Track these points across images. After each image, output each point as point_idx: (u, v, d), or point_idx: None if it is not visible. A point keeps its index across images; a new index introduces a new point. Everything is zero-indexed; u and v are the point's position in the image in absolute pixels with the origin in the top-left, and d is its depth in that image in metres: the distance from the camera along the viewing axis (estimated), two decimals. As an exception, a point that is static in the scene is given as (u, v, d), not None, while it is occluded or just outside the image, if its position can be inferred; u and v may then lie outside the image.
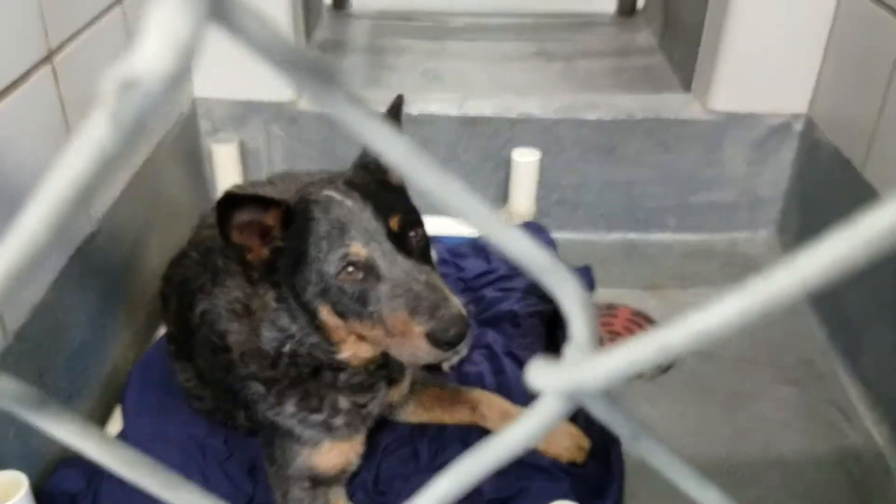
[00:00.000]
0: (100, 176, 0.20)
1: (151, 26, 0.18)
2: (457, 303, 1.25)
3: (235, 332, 1.43)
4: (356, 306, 1.27)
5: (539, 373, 0.24)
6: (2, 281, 0.21)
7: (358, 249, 1.25)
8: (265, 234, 1.28)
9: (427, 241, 1.36)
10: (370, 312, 1.26)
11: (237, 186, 1.83)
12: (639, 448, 0.28)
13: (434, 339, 1.22)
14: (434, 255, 2.02)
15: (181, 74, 0.19)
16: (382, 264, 1.25)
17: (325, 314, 1.31)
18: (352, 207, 1.27)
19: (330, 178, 1.40)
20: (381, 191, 1.34)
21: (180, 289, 1.55)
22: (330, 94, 0.20)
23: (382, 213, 1.27)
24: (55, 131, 1.50)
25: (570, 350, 0.25)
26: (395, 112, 1.39)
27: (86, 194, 0.19)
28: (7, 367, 1.34)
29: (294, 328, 1.37)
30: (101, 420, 1.68)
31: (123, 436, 1.58)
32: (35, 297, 1.43)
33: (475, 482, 0.27)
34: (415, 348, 1.25)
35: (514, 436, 0.26)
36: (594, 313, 0.25)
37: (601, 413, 0.26)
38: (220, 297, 1.45)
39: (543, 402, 0.25)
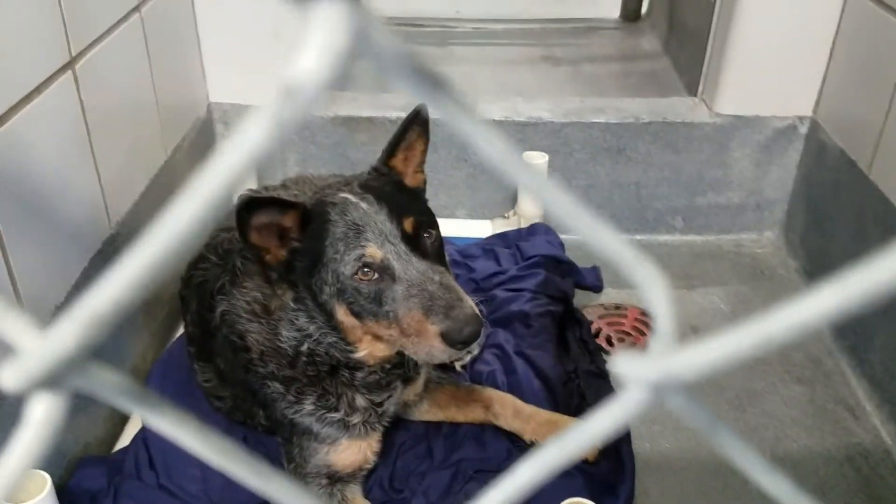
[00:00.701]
0: (248, 171, 0.22)
1: (311, 39, 0.21)
2: (470, 303, 1.28)
3: (255, 332, 1.46)
4: (372, 306, 1.30)
5: (626, 363, 0.26)
6: (148, 274, 0.23)
7: (373, 251, 1.28)
8: (283, 235, 1.31)
9: (441, 242, 1.39)
10: (386, 312, 1.29)
11: (252, 190, 1.85)
12: (717, 442, 0.30)
13: (448, 338, 1.25)
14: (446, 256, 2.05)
15: (336, 82, 0.21)
16: (397, 265, 1.28)
17: (342, 314, 1.34)
18: (367, 210, 1.30)
19: (346, 181, 1.43)
20: (396, 193, 1.37)
21: (200, 290, 1.58)
22: (445, 102, 0.23)
23: (397, 214, 1.30)
24: (76, 136, 1.53)
25: (657, 342, 0.27)
26: (422, 121, 1.41)
27: (235, 188, 0.22)
28: (32, 366, 1.36)
29: (312, 328, 1.40)
30: (122, 420, 1.70)
31: (143, 435, 1.60)
32: (58, 299, 1.46)
33: (556, 470, 0.29)
34: (430, 347, 1.28)
35: (597, 424, 0.28)
36: (675, 308, 0.27)
37: (681, 406, 0.28)
38: (239, 298, 1.47)
39: (629, 393, 0.27)
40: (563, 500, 1.46)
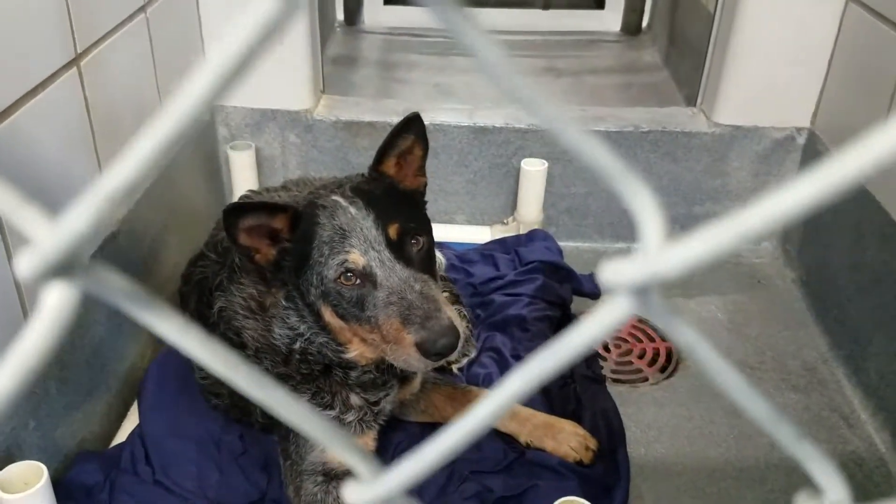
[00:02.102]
0: (265, 47, 0.23)
1: None
2: (449, 314, 1.28)
3: (251, 329, 1.47)
4: (354, 310, 1.32)
5: (612, 269, 0.27)
6: (172, 131, 0.24)
7: (356, 258, 1.29)
8: (273, 235, 1.33)
9: (430, 250, 1.39)
10: (367, 317, 1.31)
11: (252, 192, 1.87)
12: (695, 357, 0.31)
13: (423, 348, 1.26)
14: (443, 260, 2.06)
15: None
16: (380, 272, 1.30)
17: (329, 315, 1.37)
18: (355, 214, 1.32)
19: (339, 183, 1.44)
20: (387, 198, 1.38)
21: (199, 287, 1.59)
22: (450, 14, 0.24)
23: (383, 220, 1.32)
24: (80, 132, 1.54)
25: (643, 248, 0.27)
26: (417, 128, 1.41)
27: (251, 63, 0.23)
28: (31, 358, 1.37)
29: (303, 327, 1.42)
30: (119, 416, 1.71)
31: (141, 431, 1.61)
32: (58, 293, 1.47)
33: (546, 380, 0.30)
34: (406, 356, 1.29)
35: (584, 332, 0.29)
36: (660, 215, 0.28)
37: (662, 319, 0.28)
38: (236, 295, 1.49)
39: (614, 300, 0.28)
40: (555, 500, 1.47)
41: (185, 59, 2.09)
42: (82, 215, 0.25)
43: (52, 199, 1.46)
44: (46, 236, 0.26)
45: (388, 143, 1.40)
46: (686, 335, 0.30)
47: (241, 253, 1.38)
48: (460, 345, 1.31)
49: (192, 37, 2.12)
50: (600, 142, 0.27)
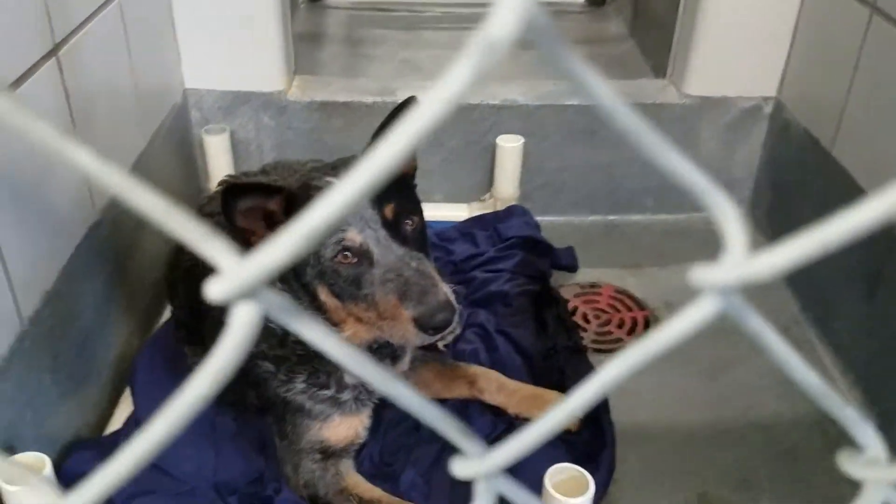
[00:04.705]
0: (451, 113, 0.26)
1: (503, 3, 0.25)
2: (445, 290, 1.32)
3: (244, 313, 1.49)
4: (351, 289, 1.34)
5: (703, 272, 0.31)
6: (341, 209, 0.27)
7: (353, 236, 1.32)
8: (268, 218, 1.35)
9: (423, 229, 1.43)
10: (364, 295, 1.34)
11: (230, 176, 1.88)
12: (763, 342, 0.34)
13: (421, 323, 1.29)
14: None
15: (519, 39, 0.26)
16: (376, 250, 1.32)
17: (324, 295, 1.38)
18: None
19: (332, 165, 1.47)
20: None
21: (188, 274, 1.60)
22: (562, 55, 0.27)
23: (379, 201, 1.34)
24: (61, 122, 1.53)
25: (729, 254, 0.31)
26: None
27: (434, 130, 0.26)
28: (23, 350, 1.38)
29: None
30: (113, 403, 1.72)
31: (136, 418, 1.62)
32: (46, 285, 1.47)
33: (636, 371, 0.33)
34: (403, 331, 1.32)
35: (672, 331, 0.32)
36: (743, 225, 0.31)
37: (742, 315, 0.32)
38: (229, 280, 1.50)
39: (701, 301, 0.32)
40: (546, 468, 1.52)
41: (158, 45, 2.08)
42: (278, 251, 0.29)
43: (37, 192, 1.46)
44: (235, 268, 0.29)
45: (384, 125, 1.42)
46: (759, 327, 0.33)
47: (237, 235, 1.39)
48: (455, 319, 1.34)
49: (164, 22, 2.11)
50: (684, 158, 0.30)
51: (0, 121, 0.30)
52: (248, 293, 0.30)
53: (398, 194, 1.39)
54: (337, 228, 1.32)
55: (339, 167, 1.44)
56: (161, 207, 0.31)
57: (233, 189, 1.30)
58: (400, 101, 1.43)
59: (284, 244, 0.29)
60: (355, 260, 1.33)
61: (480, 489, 0.38)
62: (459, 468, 0.37)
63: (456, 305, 1.33)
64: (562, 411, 0.36)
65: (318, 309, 1.42)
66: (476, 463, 0.37)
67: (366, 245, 1.32)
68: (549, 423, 0.36)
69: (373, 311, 1.34)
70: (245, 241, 1.37)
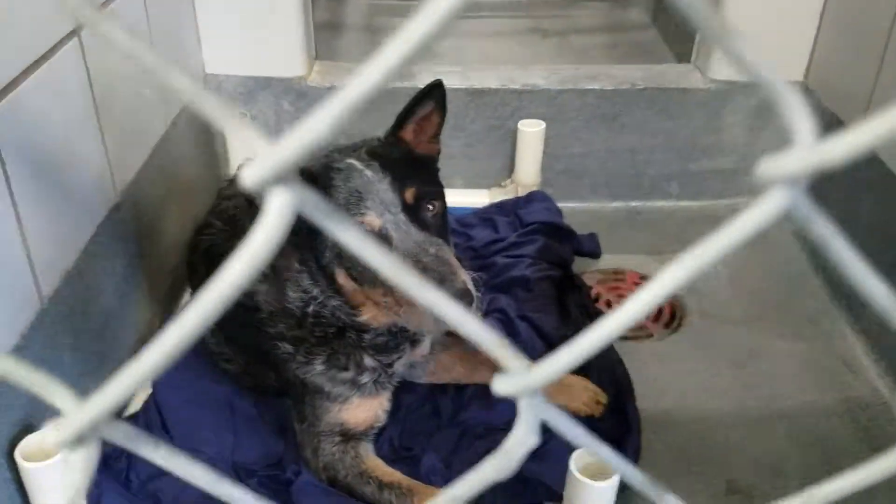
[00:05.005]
0: None
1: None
2: (463, 277, 1.29)
3: (263, 293, 1.48)
4: (368, 273, 1.32)
5: (770, 164, 0.29)
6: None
7: (372, 219, 1.30)
8: None
9: (444, 214, 1.40)
10: (381, 280, 1.31)
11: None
12: (830, 250, 0.32)
13: None
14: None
15: None
16: (395, 235, 1.30)
17: (342, 278, 1.37)
18: (371, 177, 1.32)
19: (354, 147, 1.44)
20: (403, 162, 1.38)
21: (207, 255, 1.59)
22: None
23: (399, 184, 1.32)
24: (84, 104, 1.53)
25: (797, 143, 0.29)
26: (439, 96, 1.42)
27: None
28: (44, 328, 1.37)
29: (316, 290, 1.42)
30: (131, 386, 1.71)
31: (155, 400, 1.61)
32: (67, 264, 1.47)
33: (697, 276, 0.31)
34: (420, 319, 1.30)
35: (741, 226, 0.30)
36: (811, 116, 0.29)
37: (808, 213, 0.30)
38: (248, 260, 1.49)
39: (769, 195, 0.30)
40: (571, 454, 1.49)
41: (178, 30, 2.07)
42: (307, 132, 0.29)
43: (58, 173, 1.45)
44: (267, 153, 0.29)
45: (408, 109, 1.40)
46: (824, 229, 0.31)
47: (257, 216, 1.38)
48: (474, 308, 1.31)
49: (185, 8, 2.10)
50: (759, 56, 0.29)
51: (106, 38, 0.30)
52: (283, 176, 0.29)
53: (420, 178, 1.37)
54: (356, 212, 1.30)
55: (360, 149, 1.42)
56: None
57: None
58: (422, 87, 1.41)
59: (312, 126, 0.28)
60: None
61: (523, 407, 0.36)
62: (501, 385, 0.35)
63: (475, 293, 1.30)
64: (613, 320, 0.34)
65: (336, 292, 1.40)
66: (519, 378, 0.35)
67: (385, 229, 1.30)
68: (596, 335, 0.34)
69: (390, 296, 1.33)
70: None
